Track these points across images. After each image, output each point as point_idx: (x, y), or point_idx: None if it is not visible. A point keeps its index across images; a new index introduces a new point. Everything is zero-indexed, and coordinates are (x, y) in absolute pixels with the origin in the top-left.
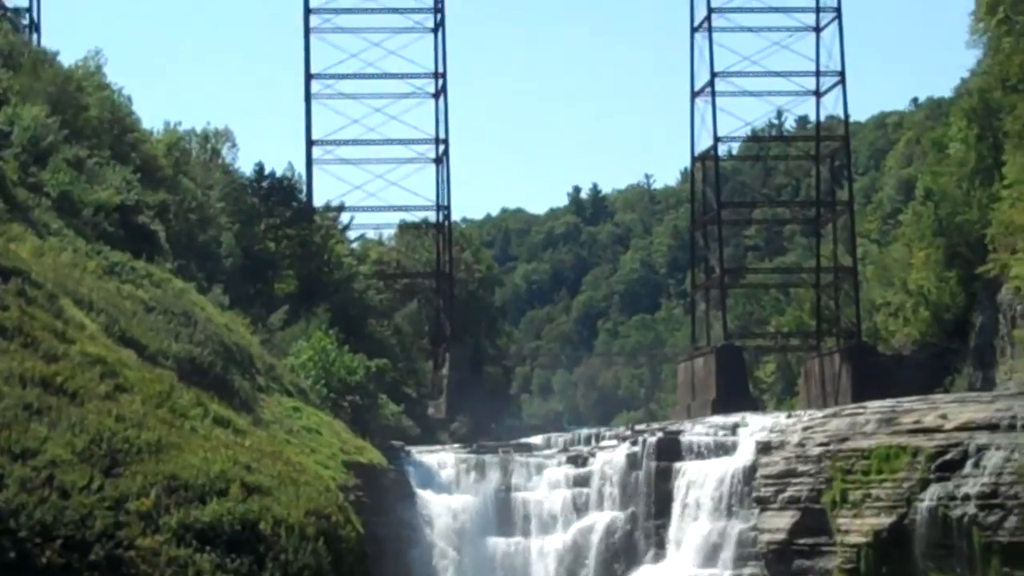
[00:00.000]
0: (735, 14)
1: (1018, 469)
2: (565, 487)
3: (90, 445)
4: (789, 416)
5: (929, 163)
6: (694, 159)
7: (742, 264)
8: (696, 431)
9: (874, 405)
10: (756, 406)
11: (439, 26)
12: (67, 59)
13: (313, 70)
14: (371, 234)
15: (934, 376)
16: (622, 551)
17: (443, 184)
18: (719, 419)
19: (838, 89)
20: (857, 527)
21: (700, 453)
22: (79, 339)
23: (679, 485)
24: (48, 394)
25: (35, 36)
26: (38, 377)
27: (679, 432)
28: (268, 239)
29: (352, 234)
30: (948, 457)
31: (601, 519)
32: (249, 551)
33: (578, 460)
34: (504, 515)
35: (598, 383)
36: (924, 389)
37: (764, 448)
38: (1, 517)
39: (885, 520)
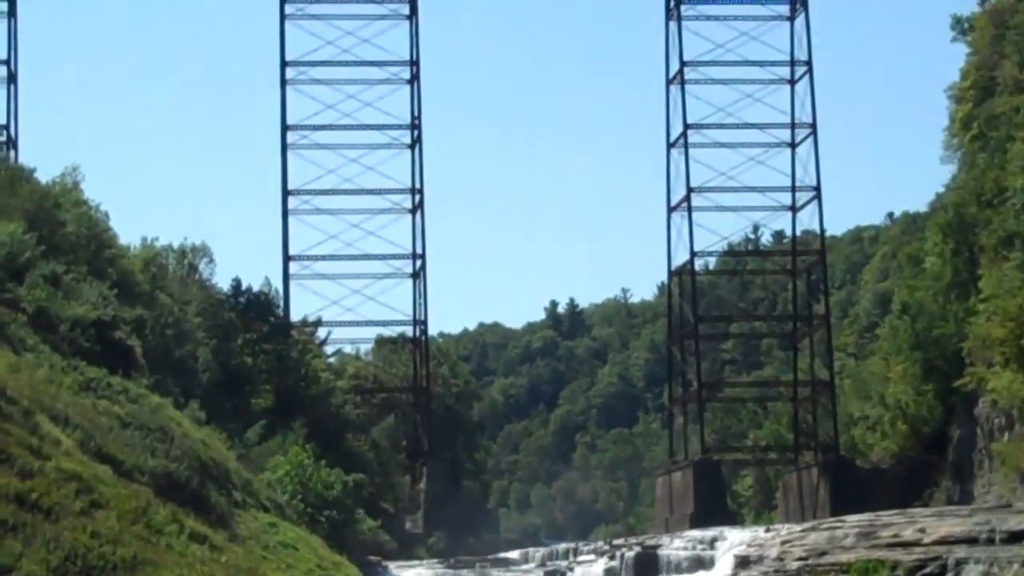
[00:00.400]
0: (710, 130)
1: None
2: None
3: (65, 562)
4: (767, 530)
5: (905, 277)
6: (671, 273)
7: (720, 378)
8: (674, 545)
9: (853, 519)
10: (734, 520)
11: (416, 142)
12: (44, 175)
13: (291, 186)
14: (348, 349)
15: (913, 489)
16: None
17: (420, 299)
18: (697, 533)
19: (814, 204)
20: None
21: (678, 567)
22: (54, 455)
23: None
24: (23, 510)
25: (12, 153)
26: (13, 493)
27: (657, 546)
28: (245, 354)
29: (329, 349)
30: (927, 571)
31: None
32: None
33: (556, 575)
34: None
35: (576, 497)
36: (903, 503)
37: (742, 562)
38: None
39: None
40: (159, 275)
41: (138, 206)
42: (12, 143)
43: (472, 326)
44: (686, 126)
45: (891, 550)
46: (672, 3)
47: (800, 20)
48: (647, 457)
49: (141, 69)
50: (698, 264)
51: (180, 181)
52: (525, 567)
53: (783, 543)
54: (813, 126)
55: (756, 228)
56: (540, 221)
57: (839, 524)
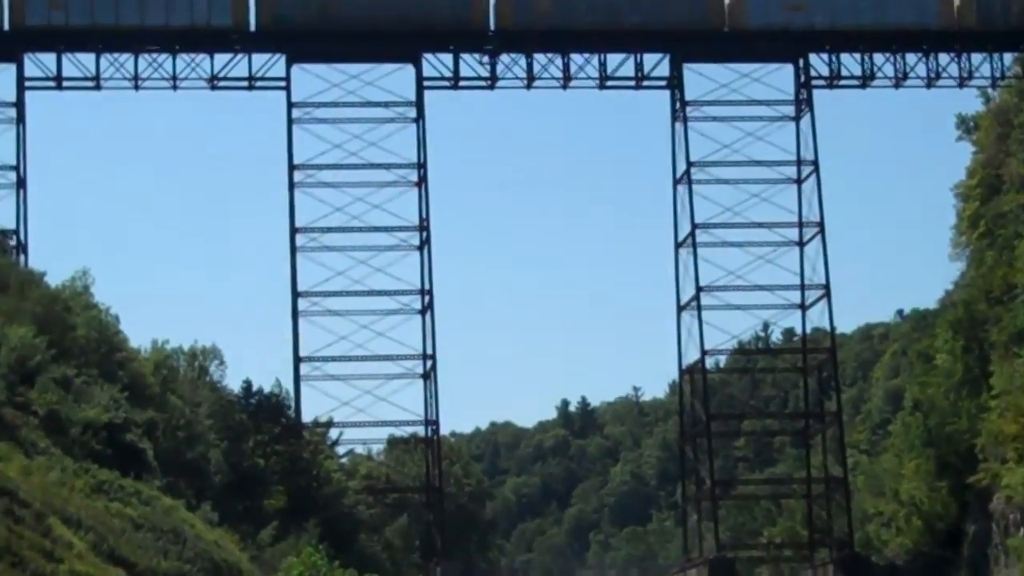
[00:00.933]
0: (719, 229)
1: None
2: None
3: None
4: None
5: (916, 374)
6: (682, 372)
7: (733, 476)
8: None
9: None
10: None
11: (424, 243)
12: (54, 279)
13: (301, 287)
14: (360, 449)
15: None
16: None
17: (431, 399)
18: None
19: (824, 302)
20: None
21: None
22: (68, 558)
23: None
24: None
25: (22, 257)
26: None
27: None
28: (257, 455)
29: (341, 449)
30: None
31: None
32: None
33: None
34: None
35: None
36: None
37: None
38: None
39: None
40: (170, 377)
41: (148, 309)
42: (22, 248)
43: (484, 425)
44: (694, 226)
45: None
46: (678, 105)
47: (806, 120)
48: (661, 555)
49: (150, 172)
50: (709, 362)
51: (190, 284)
52: None
53: None
54: (821, 225)
55: (766, 326)
56: (551, 320)
57: None
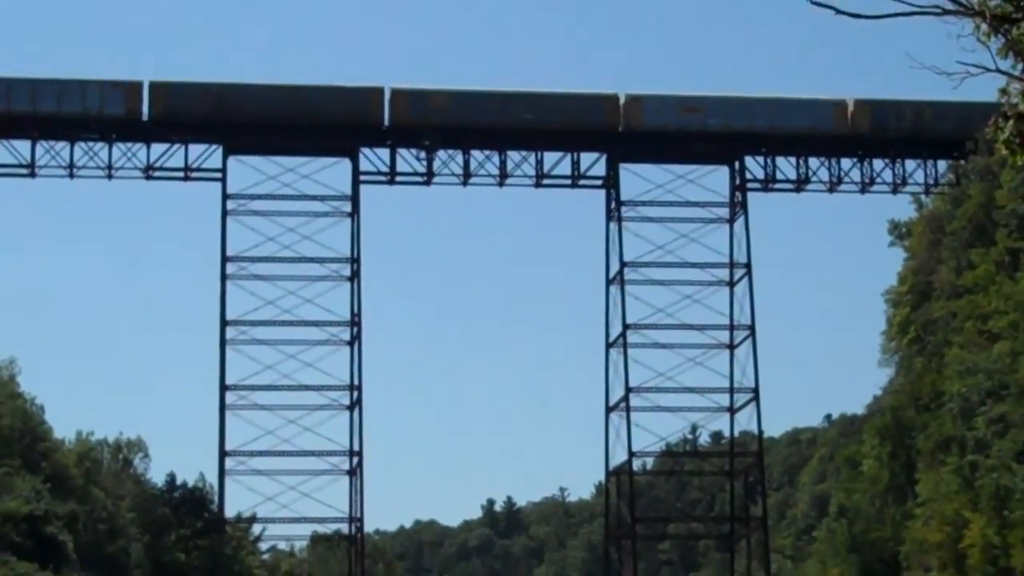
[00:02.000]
0: (650, 330)
1: None
2: None
3: None
4: None
5: (843, 480)
6: (608, 473)
7: None
8: None
9: None
10: None
11: (355, 339)
12: None
13: (229, 380)
14: (283, 545)
15: None
16: None
17: (356, 496)
18: None
19: (752, 405)
20: None
21: None
22: None
23: None
24: None
25: None
26: None
27: None
28: (178, 550)
29: (264, 545)
30: None
31: None
32: None
33: None
34: None
35: None
36: None
37: None
38: None
39: None
40: (93, 469)
41: (75, 399)
42: None
43: (408, 523)
44: (625, 326)
45: None
46: (612, 204)
47: (740, 223)
48: None
49: (82, 261)
50: (636, 464)
51: (118, 374)
52: None
53: None
54: (752, 328)
55: (694, 428)
56: (478, 419)
57: None
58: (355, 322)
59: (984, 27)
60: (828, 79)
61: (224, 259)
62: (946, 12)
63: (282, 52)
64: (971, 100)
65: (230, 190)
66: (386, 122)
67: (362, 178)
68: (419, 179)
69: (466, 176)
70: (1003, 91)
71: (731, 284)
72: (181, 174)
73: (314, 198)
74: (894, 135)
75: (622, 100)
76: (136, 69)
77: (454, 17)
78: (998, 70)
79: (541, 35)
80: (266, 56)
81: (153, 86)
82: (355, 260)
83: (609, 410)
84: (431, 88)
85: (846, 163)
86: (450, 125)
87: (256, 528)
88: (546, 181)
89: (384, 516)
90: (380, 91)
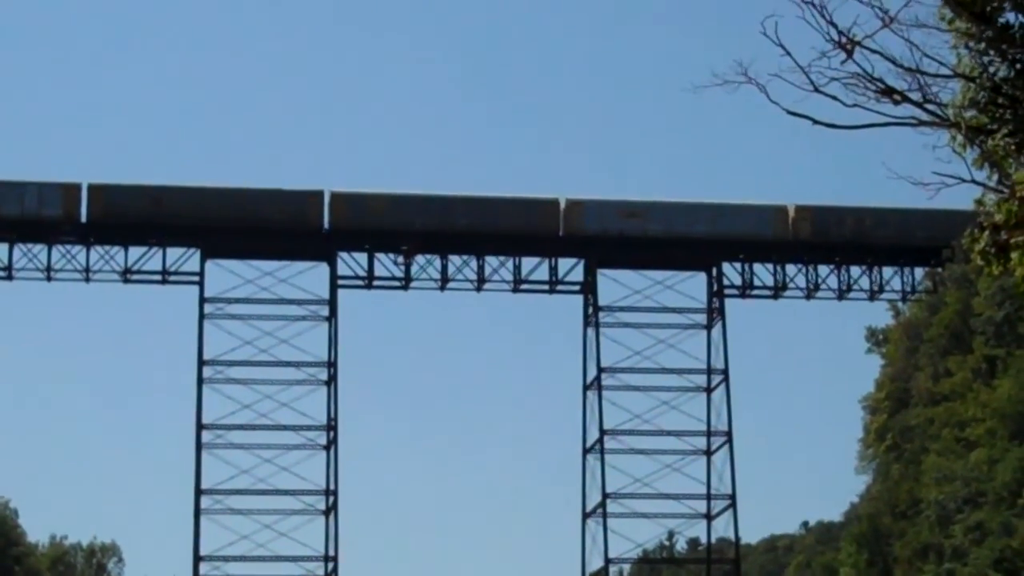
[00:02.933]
0: (627, 436)
1: None
2: None
3: None
4: None
5: None
6: None
7: None
8: None
9: None
10: None
11: (332, 443)
12: None
13: (204, 485)
14: None
15: None
16: None
17: None
18: None
19: (729, 512)
20: None
21: None
22: None
23: None
24: None
25: None
26: None
27: None
28: None
29: None
30: None
31: None
32: None
33: None
34: None
35: None
36: None
37: None
38: None
39: None
40: (67, 574)
41: (48, 503)
42: None
43: None
44: (602, 432)
45: None
46: (590, 310)
47: (717, 329)
48: None
49: (58, 363)
50: (613, 571)
51: (93, 478)
52: None
53: None
54: (729, 434)
55: (671, 535)
56: (454, 524)
57: None
58: (331, 426)
59: (960, 138)
60: (771, 183)
61: (201, 362)
62: (922, 123)
63: (217, 153)
64: (912, 207)
65: (208, 294)
66: (326, 225)
67: (340, 282)
68: (397, 284)
69: (444, 281)
70: (979, 202)
71: (708, 390)
72: (159, 277)
73: (292, 302)
74: (836, 240)
75: (562, 205)
76: (75, 171)
77: (391, 120)
78: (974, 181)
79: (484, 140)
80: (200, 157)
81: (91, 188)
82: (332, 364)
83: (586, 516)
84: (371, 192)
85: (823, 270)
86: (387, 229)
87: None
88: (524, 286)
89: None
90: (320, 194)
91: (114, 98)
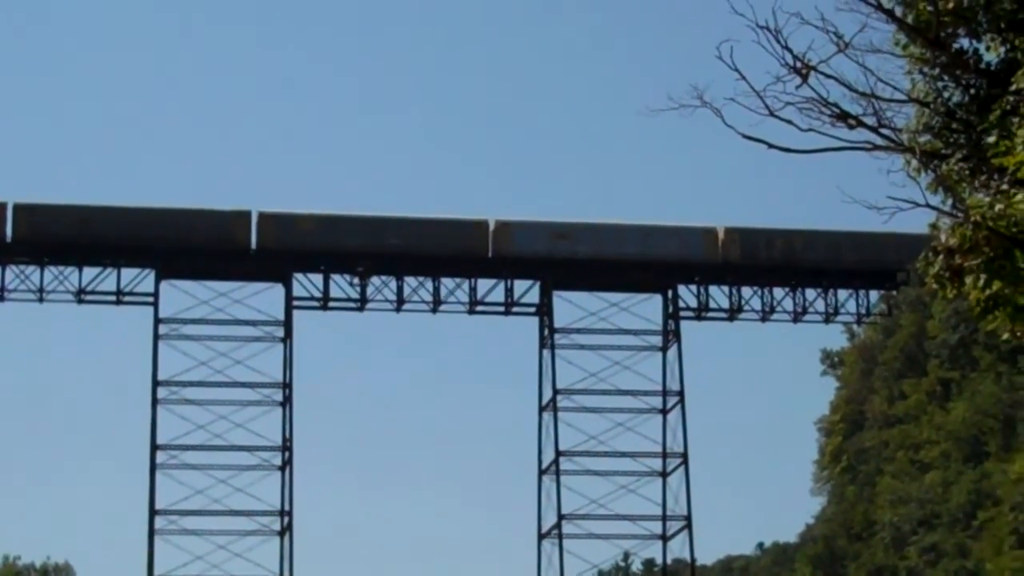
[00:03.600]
0: (582, 457)
1: None
2: None
3: None
4: None
5: None
6: None
7: None
8: None
9: None
10: None
11: (287, 464)
12: None
13: (158, 506)
14: None
15: None
16: None
17: None
18: None
19: (685, 533)
20: None
21: None
22: None
23: None
24: None
25: None
26: None
27: None
28: None
29: None
30: None
31: None
32: None
33: None
34: None
35: None
36: None
37: None
38: None
39: None
40: None
41: (1, 523)
42: None
43: None
44: (558, 453)
45: None
46: (546, 332)
47: (673, 351)
48: None
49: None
50: None
51: (44, 498)
52: None
53: None
54: (685, 455)
55: (626, 556)
56: (409, 545)
57: None
58: (286, 447)
59: (914, 162)
60: (700, 206)
61: (155, 383)
62: (877, 148)
63: (145, 173)
64: (842, 229)
65: (162, 314)
66: (253, 245)
67: (295, 303)
68: (352, 305)
69: (399, 302)
70: (933, 226)
71: (664, 412)
72: (113, 298)
73: (247, 323)
74: (764, 263)
75: (491, 226)
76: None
77: (320, 140)
78: (928, 205)
79: (414, 160)
80: (129, 177)
81: (17, 207)
82: (287, 385)
83: (541, 537)
84: (298, 212)
85: (779, 292)
86: (312, 250)
87: None
88: (479, 308)
89: None
90: (247, 214)
91: (38, 117)
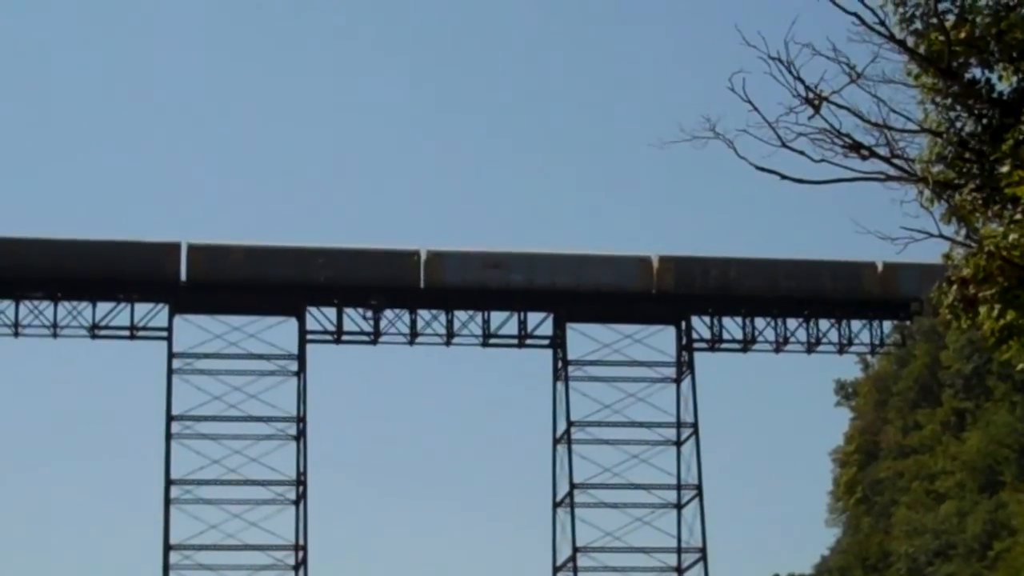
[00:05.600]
0: (597, 490)
1: None
2: None
3: None
4: None
5: None
6: None
7: None
8: None
9: None
10: None
11: (301, 498)
12: None
13: (172, 540)
14: None
15: None
16: None
17: None
18: None
19: (700, 565)
20: None
21: None
22: None
23: None
24: None
25: None
26: None
27: None
28: None
29: None
30: None
31: None
32: None
33: None
34: None
35: None
36: None
37: None
38: None
39: None
40: None
41: (14, 559)
42: None
43: None
44: (572, 486)
45: None
46: (559, 364)
47: (686, 383)
48: None
49: (26, 420)
50: None
51: (58, 533)
52: None
53: None
54: (699, 487)
55: None
56: None
57: None
58: (301, 481)
59: (927, 193)
60: (632, 235)
61: (169, 418)
62: (890, 178)
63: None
64: (779, 257)
65: (176, 349)
66: (183, 277)
67: (308, 337)
68: (366, 338)
69: (413, 335)
70: (947, 256)
71: (678, 444)
72: (127, 333)
73: (260, 357)
74: (699, 292)
75: (423, 256)
76: None
77: (250, 170)
78: (942, 235)
79: (345, 191)
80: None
81: (31, 243)
82: (301, 419)
83: (556, 570)
84: (229, 243)
85: (792, 323)
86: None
87: None
88: (492, 341)
89: None
90: (176, 246)
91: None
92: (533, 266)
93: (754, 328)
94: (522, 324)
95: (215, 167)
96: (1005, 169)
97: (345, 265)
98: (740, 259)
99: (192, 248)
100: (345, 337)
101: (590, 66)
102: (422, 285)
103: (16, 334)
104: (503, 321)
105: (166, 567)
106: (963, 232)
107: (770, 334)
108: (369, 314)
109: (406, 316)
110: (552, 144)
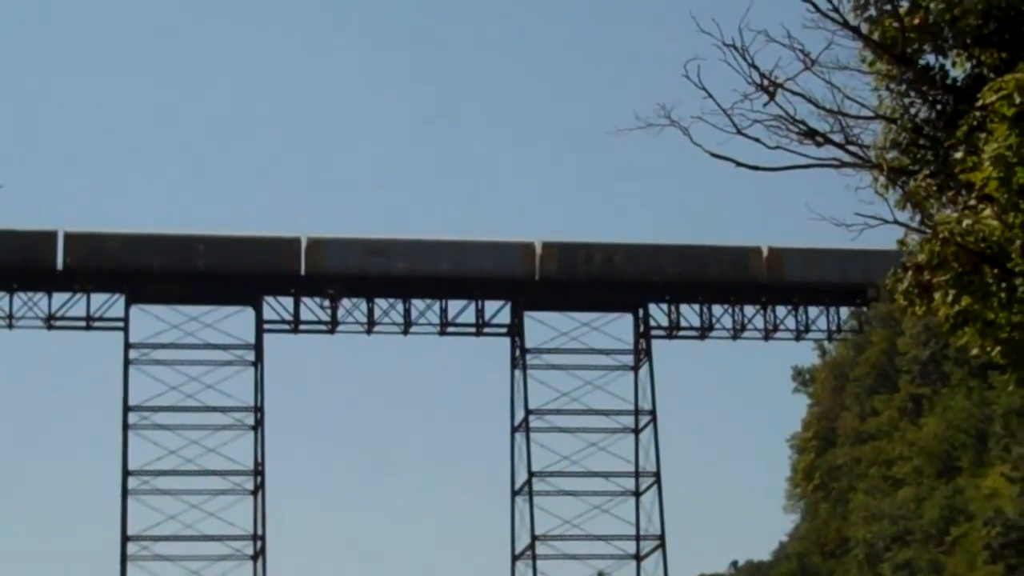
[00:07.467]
0: (556, 478)
1: None
2: None
3: None
4: None
5: None
6: None
7: None
8: None
9: None
10: None
11: (259, 488)
12: None
13: (130, 531)
14: None
15: None
16: None
17: None
18: None
19: (658, 552)
20: None
21: None
22: None
23: None
24: None
25: None
26: None
27: None
28: None
29: None
30: None
31: None
32: None
33: None
34: None
35: None
36: None
37: None
38: None
39: None
40: None
41: None
42: None
43: None
44: (531, 474)
45: None
46: (517, 352)
47: (644, 370)
48: None
49: None
50: None
51: (15, 524)
52: None
53: None
54: (657, 474)
55: None
56: (381, 568)
57: None
58: (259, 471)
59: (882, 179)
60: (520, 221)
61: (126, 408)
62: (844, 164)
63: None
64: (661, 243)
65: (132, 339)
66: (59, 265)
67: (266, 327)
68: (323, 327)
69: (370, 325)
70: (901, 242)
71: (636, 431)
72: (83, 323)
73: (217, 347)
74: (583, 279)
75: (304, 243)
76: None
77: (136, 157)
78: (896, 221)
79: (226, 179)
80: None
81: None
82: (259, 409)
83: (515, 559)
84: (106, 231)
85: (749, 310)
86: (119, 269)
87: None
88: (450, 329)
89: None
90: (53, 234)
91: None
92: (414, 252)
93: (711, 315)
94: (479, 313)
95: (94, 157)
96: (959, 155)
97: (226, 252)
98: (624, 244)
99: (69, 236)
100: (303, 326)
101: (542, 53)
102: (303, 272)
103: None
104: (460, 310)
105: (124, 558)
106: (918, 218)
107: (727, 321)
108: (327, 303)
109: (363, 305)
110: (506, 131)
